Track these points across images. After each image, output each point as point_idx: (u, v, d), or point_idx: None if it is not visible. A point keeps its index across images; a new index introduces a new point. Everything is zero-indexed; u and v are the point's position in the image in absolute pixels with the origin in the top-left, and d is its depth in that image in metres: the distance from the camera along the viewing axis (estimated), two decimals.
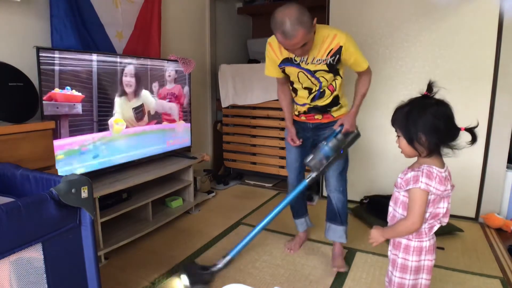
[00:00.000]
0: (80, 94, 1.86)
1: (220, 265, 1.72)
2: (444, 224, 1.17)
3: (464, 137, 1.10)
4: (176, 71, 2.54)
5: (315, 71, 1.70)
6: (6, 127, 1.37)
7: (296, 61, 1.71)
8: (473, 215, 2.54)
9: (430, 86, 1.17)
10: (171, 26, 2.83)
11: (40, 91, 1.66)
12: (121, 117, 2.14)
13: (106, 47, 2.18)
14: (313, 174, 1.69)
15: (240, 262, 1.92)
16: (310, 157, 1.67)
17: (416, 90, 2.75)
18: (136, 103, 2.24)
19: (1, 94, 1.43)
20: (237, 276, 1.79)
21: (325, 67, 1.69)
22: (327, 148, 1.67)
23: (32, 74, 1.61)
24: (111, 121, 2.07)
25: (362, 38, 2.68)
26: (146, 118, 2.32)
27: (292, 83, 1.86)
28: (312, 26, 1.52)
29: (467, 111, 2.44)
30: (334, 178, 1.89)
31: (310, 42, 1.59)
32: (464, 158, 2.49)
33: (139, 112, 2.27)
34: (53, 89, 1.73)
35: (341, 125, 1.73)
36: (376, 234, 1.20)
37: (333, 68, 1.71)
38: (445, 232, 2.25)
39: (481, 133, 2.43)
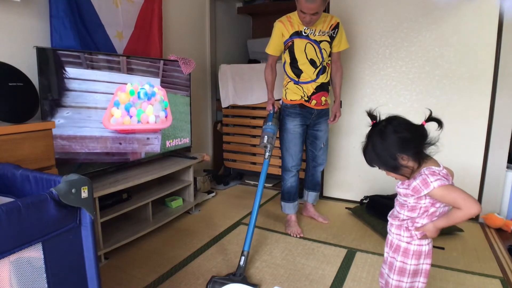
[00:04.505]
0: None
1: (242, 264, 1.74)
2: None
3: (432, 128, 1.10)
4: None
5: (320, 41, 2.14)
6: (6, 127, 1.37)
7: (305, 33, 2.12)
8: None
9: (371, 115, 1.17)
10: (171, 26, 2.83)
11: (40, 91, 1.66)
12: None
13: (106, 47, 2.18)
14: (270, 152, 2.07)
15: None
16: (265, 139, 2.05)
17: (416, 90, 2.77)
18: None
19: (1, 94, 1.43)
20: None
21: (328, 38, 2.16)
22: (273, 127, 2.11)
23: (32, 74, 1.61)
24: None
25: (362, 38, 2.68)
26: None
27: (295, 62, 2.17)
28: (326, 3, 2.00)
29: (467, 111, 2.45)
30: (322, 152, 2.38)
31: (319, 15, 2.02)
32: (464, 158, 2.51)
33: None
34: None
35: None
36: (431, 230, 1.12)
37: (332, 41, 2.18)
38: (445, 232, 2.25)
39: (481, 133, 2.44)
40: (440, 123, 1.08)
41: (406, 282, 1.16)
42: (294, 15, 2.12)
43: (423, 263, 1.16)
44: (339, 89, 2.32)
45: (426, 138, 1.09)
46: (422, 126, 1.10)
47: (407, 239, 1.16)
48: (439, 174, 1.07)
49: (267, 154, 2.05)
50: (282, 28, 2.14)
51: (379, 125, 1.14)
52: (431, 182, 1.05)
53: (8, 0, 1.69)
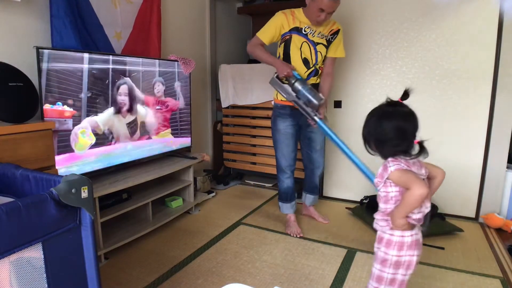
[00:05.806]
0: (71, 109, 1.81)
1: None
2: (427, 210, 1.18)
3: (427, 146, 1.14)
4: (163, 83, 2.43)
5: (317, 44, 2.13)
6: (6, 127, 1.37)
7: (305, 31, 2.11)
8: (473, 215, 2.54)
9: (406, 92, 1.19)
10: (171, 26, 2.83)
11: (40, 91, 1.66)
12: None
13: (105, 47, 2.18)
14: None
15: (240, 262, 1.92)
16: (316, 98, 1.99)
17: (416, 90, 2.74)
18: (129, 118, 2.19)
19: (1, 94, 1.43)
20: (237, 276, 1.79)
21: (325, 42, 2.15)
22: (308, 87, 2.02)
23: (32, 74, 1.61)
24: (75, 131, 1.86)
25: (362, 38, 2.68)
26: (138, 133, 2.27)
27: (288, 59, 2.13)
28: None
29: (467, 111, 2.45)
30: (317, 154, 2.34)
31: (331, 15, 2.02)
32: (464, 158, 2.51)
33: (133, 127, 2.22)
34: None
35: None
36: (393, 218, 1.17)
37: (328, 45, 2.17)
38: (445, 232, 2.25)
39: (481, 133, 2.44)
40: (420, 153, 1.12)
41: (388, 273, 1.18)
42: (299, 12, 2.10)
43: (405, 255, 1.16)
44: (326, 95, 2.19)
45: (399, 150, 1.14)
46: (407, 143, 1.14)
47: (389, 230, 1.19)
48: (400, 161, 1.13)
49: (317, 117, 2.00)
50: (284, 20, 2.10)
51: (388, 107, 1.17)
52: (390, 166, 1.13)
53: (8, 0, 1.69)
